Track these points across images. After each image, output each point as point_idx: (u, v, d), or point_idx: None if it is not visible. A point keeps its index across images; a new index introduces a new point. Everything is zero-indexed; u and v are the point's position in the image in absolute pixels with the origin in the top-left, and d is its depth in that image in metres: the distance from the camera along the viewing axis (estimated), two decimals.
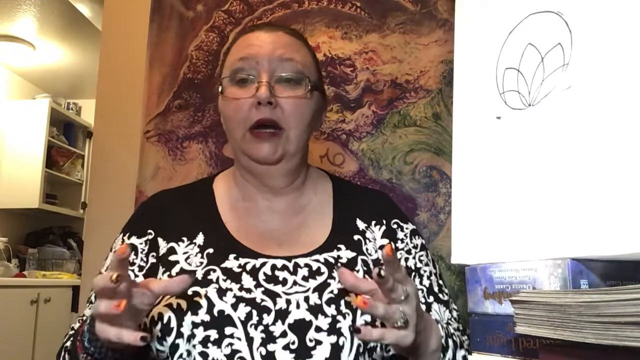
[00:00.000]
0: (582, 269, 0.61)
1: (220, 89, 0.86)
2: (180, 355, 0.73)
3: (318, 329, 0.73)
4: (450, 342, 0.77)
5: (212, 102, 1.40)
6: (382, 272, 0.62)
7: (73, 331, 0.84)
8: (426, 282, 0.89)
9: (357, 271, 0.80)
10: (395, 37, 1.32)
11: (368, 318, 0.75)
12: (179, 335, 0.73)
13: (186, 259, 0.81)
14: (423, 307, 0.85)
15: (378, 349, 0.76)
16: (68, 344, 0.78)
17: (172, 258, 0.82)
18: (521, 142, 0.71)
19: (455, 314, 0.90)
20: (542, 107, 0.69)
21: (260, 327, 0.72)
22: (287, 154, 0.85)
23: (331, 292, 0.76)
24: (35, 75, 4.08)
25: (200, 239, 0.83)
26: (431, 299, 0.87)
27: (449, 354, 0.77)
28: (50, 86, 4.22)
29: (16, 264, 3.65)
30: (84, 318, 0.86)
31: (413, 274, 0.88)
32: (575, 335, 0.51)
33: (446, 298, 0.90)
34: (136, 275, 0.83)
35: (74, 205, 4.29)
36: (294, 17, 1.38)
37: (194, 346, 0.72)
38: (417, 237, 0.93)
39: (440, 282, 0.91)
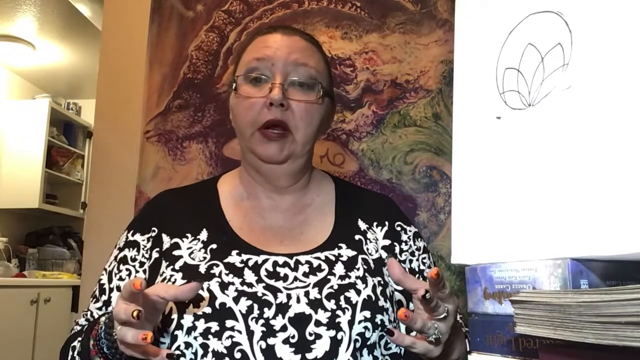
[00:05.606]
0: (582, 269, 0.61)
1: (234, 86, 0.86)
2: (178, 347, 0.74)
3: (318, 323, 0.73)
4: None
5: (212, 102, 1.40)
6: (427, 295, 0.65)
7: (79, 327, 0.84)
8: None
9: (358, 269, 0.81)
10: (395, 37, 1.32)
11: (367, 314, 0.75)
12: (179, 326, 0.74)
13: (190, 254, 0.82)
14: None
15: (379, 346, 0.77)
16: (76, 344, 0.78)
17: (176, 253, 0.83)
18: (521, 142, 0.71)
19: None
20: (542, 107, 0.69)
21: (261, 321, 0.73)
22: (293, 155, 0.86)
23: (331, 287, 0.77)
24: (35, 75, 4.08)
25: (204, 235, 0.84)
26: None
27: None
28: (50, 86, 4.22)
29: (16, 264, 3.64)
30: (89, 315, 0.86)
31: (417, 275, 0.89)
32: (575, 335, 0.51)
33: None
34: (137, 271, 0.85)
35: (74, 205, 4.29)
36: (294, 17, 1.38)
37: (195, 338, 0.73)
38: (419, 239, 0.94)
39: None
